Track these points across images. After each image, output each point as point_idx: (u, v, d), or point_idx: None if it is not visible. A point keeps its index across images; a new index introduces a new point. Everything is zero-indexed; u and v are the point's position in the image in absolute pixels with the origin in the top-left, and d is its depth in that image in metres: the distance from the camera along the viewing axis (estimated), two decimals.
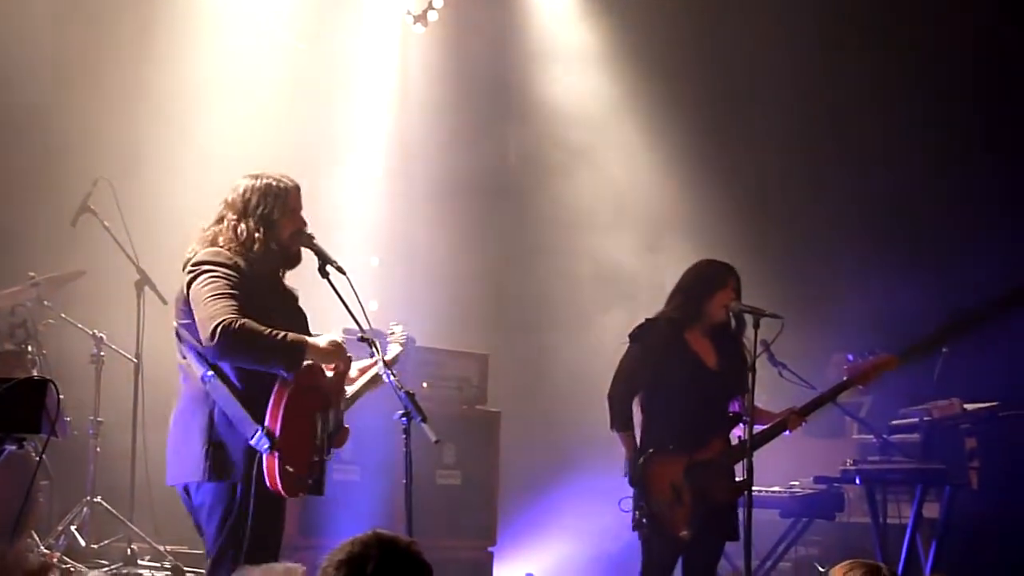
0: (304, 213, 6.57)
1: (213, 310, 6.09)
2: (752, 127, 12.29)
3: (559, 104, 12.46)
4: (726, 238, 10.76)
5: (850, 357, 8.24)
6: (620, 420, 8.01)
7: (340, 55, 11.94)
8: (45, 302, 9.43)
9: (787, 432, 8.06)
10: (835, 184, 12.23)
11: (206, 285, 6.16)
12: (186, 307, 6.25)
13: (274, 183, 6.47)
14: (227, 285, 6.20)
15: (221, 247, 6.31)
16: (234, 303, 6.14)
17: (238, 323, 6.07)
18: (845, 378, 8.21)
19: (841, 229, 12.13)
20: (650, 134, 12.38)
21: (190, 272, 6.24)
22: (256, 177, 6.48)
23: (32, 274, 9.30)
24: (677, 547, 7.85)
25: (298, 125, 11.28)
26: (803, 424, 8.11)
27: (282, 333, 6.16)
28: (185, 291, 6.24)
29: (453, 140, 11.89)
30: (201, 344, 6.15)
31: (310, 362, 6.28)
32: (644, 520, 7.83)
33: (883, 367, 8.22)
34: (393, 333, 7.24)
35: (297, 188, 6.53)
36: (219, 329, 6.02)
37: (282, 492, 6.15)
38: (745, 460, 7.64)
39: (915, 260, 11.60)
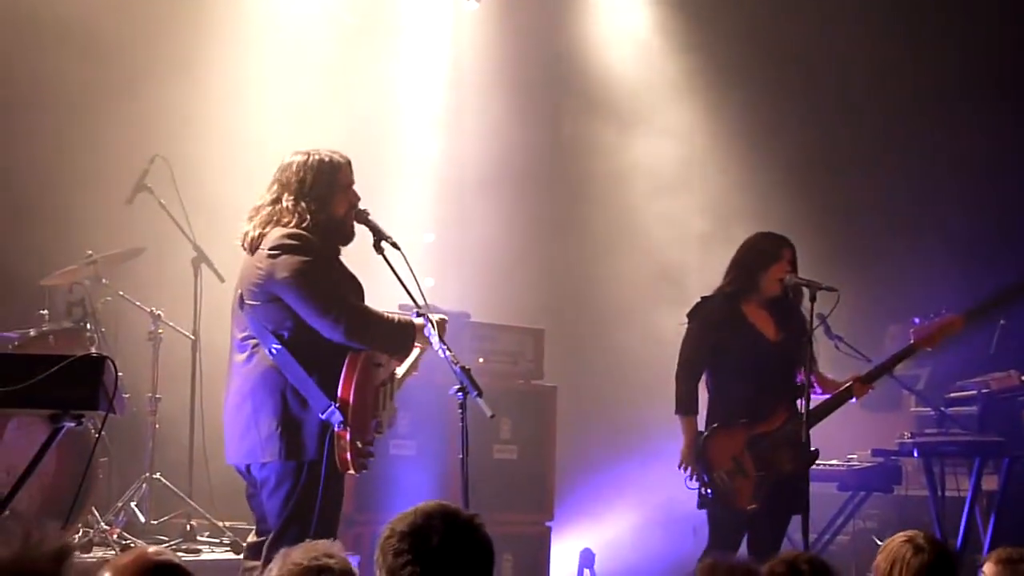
0: (358, 188, 6.59)
1: (328, 297, 6.27)
2: (812, 104, 12.20)
3: (615, 81, 12.41)
4: (786, 215, 10.68)
5: (916, 320, 8.17)
6: (684, 404, 8.01)
7: (392, 30, 11.92)
8: (103, 280, 9.46)
9: (853, 400, 8.03)
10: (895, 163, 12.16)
11: (307, 271, 6.25)
12: (261, 286, 6.31)
13: (326, 159, 6.50)
14: (326, 269, 6.36)
15: (288, 228, 6.34)
16: (340, 289, 6.35)
17: (359, 310, 6.33)
18: (912, 341, 8.13)
19: (900, 204, 12.05)
20: (707, 114, 12.33)
21: (273, 253, 6.28)
22: (307, 154, 6.50)
23: (89, 252, 9.33)
24: (744, 521, 7.84)
25: (350, 101, 11.27)
26: (869, 391, 8.07)
27: (395, 316, 6.36)
28: (265, 272, 6.29)
29: (507, 116, 11.85)
30: (270, 326, 6.24)
31: None
32: (709, 496, 7.83)
33: (949, 328, 8.14)
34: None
35: (348, 163, 6.56)
36: (346, 315, 6.23)
37: (351, 468, 6.19)
38: (804, 433, 7.63)
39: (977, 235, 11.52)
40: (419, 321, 6.43)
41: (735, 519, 7.85)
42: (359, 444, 6.18)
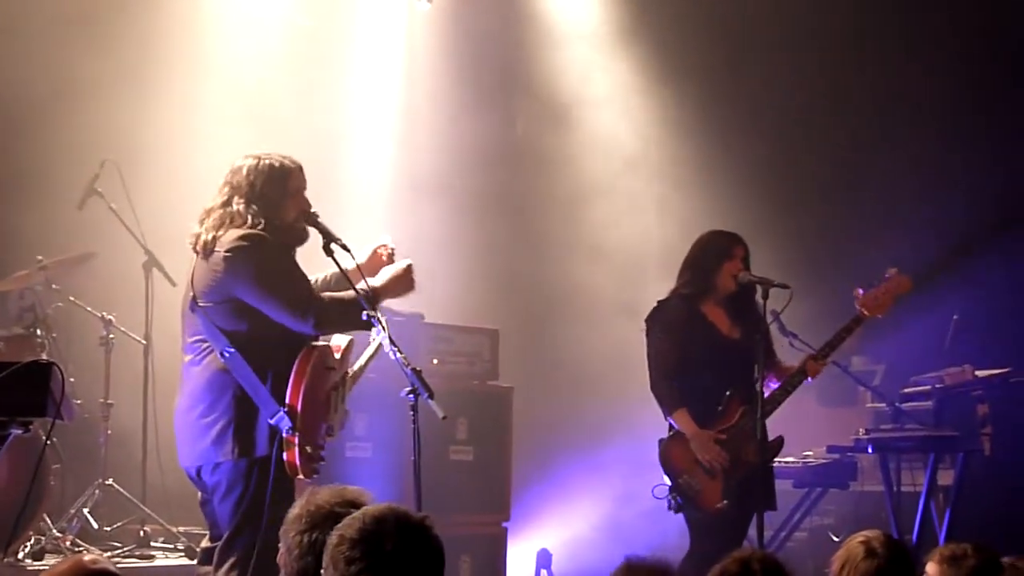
0: (311, 191, 6.58)
1: (294, 293, 6.29)
2: (759, 99, 12.22)
3: (568, 81, 12.40)
4: (742, 213, 10.70)
5: (860, 290, 8.01)
6: (668, 403, 7.93)
7: (346, 32, 11.88)
8: (53, 285, 9.41)
9: (809, 380, 7.98)
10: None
11: (270, 270, 6.28)
12: (217, 288, 6.28)
13: (276, 164, 6.48)
14: (287, 266, 6.39)
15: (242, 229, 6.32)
16: (304, 283, 6.39)
17: (325, 298, 6.36)
18: (859, 310, 8.00)
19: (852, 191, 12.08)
20: (663, 112, 12.32)
21: (230, 255, 6.25)
22: (258, 158, 6.49)
23: (40, 258, 9.27)
24: (719, 521, 7.80)
25: (304, 104, 11.23)
26: (823, 368, 7.99)
27: (343, 295, 6.37)
28: (223, 273, 6.26)
29: (460, 115, 11.83)
30: (225, 327, 6.23)
31: (325, 343, 6.34)
32: (678, 500, 7.80)
33: (895, 290, 7.99)
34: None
35: (299, 168, 6.55)
36: (313, 308, 6.25)
37: (300, 473, 6.17)
38: (759, 425, 7.63)
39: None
40: (389, 277, 6.48)
41: (709, 521, 7.82)
42: (308, 449, 6.16)
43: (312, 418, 6.23)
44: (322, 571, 3.74)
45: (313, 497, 4.35)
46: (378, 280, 6.53)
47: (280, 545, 4.40)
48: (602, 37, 12.44)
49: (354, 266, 6.51)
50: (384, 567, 3.63)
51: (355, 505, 4.05)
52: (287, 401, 6.13)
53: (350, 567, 3.64)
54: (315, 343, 6.33)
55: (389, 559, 3.64)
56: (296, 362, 6.20)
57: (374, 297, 6.40)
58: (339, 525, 3.74)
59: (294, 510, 4.37)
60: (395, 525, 3.71)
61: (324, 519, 4.15)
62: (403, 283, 6.61)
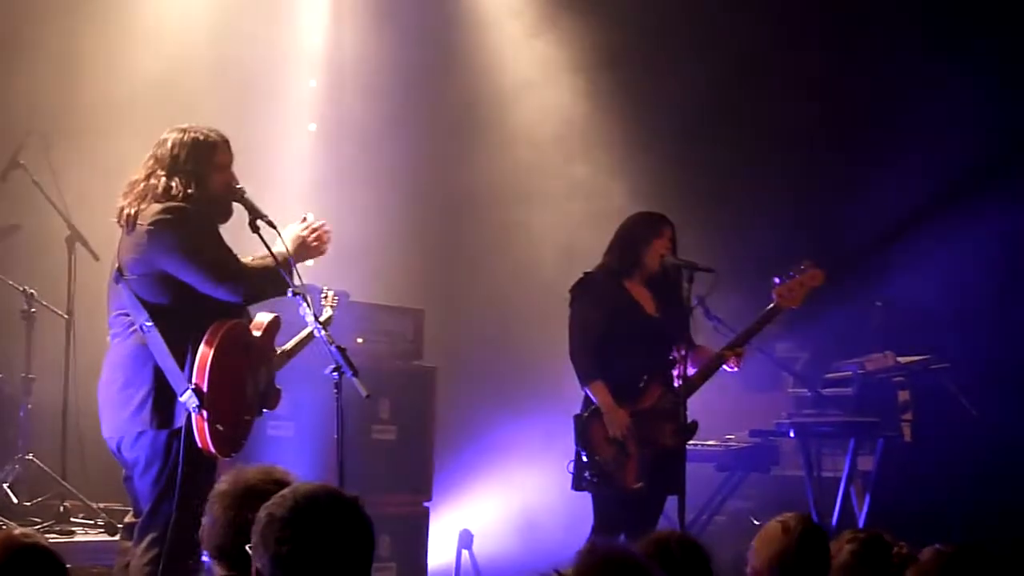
0: (237, 165, 6.54)
1: (219, 265, 6.27)
2: (683, 81, 12.20)
3: (495, 58, 12.35)
4: (670, 194, 10.74)
5: (776, 280, 8.03)
6: (587, 373, 7.94)
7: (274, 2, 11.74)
8: None
9: (728, 367, 8.00)
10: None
11: (194, 242, 6.24)
12: (141, 260, 6.25)
13: (201, 137, 6.45)
14: (211, 237, 6.36)
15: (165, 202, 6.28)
16: (228, 254, 6.35)
17: (248, 267, 6.35)
18: (775, 301, 8.02)
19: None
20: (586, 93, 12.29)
21: (153, 228, 6.21)
22: (183, 131, 6.46)
23: None
24: (628, 501, 7.83)
25: (230, 76, 11.11)
26: (740, 356, 8.02)
27: (272, 263, 6.29)
28: (147, 246, 6.23)
29: (387, 93, 11.76)
30: (148, 299, 6.20)
31: (238, 320, 6.31)
32: (592, 478, 7.81)
33: (809, 283, 8.01)
34: (326, 296, 7.28)
35: (226, 142, 6.51)
36: (236, 275, 6.27)
37: (212, 451, 6.14)
38: (682, 408, 7.68)
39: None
40: (291, 243, 6.43)
41: (620, 500, 7.85)
42: (220, 428, 6.13)
43: (223, 397, 6.17)
44: (249, 548, 3.72)
45: (241, 474, 4.34)
46: (281, 246, 6.46)
47: (204, 520, 4.38)
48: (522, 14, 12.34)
49: (279, 243, 6.47)
50: (315, 545, 3.60)
51: (282, 484, 4.03)
52: (193, 380, 6.10)
53: (281, 546, 3.60)
54: (223, 321, 6.28)
55: (321, 539, 3.62)
56: (202, 341, 6.16)
57: (286, 265, 6.35)
58: (268, 503, 3.69)
59: (220, 486, 4.36)
60: (327, 504, 3.67)
61: (251, 496, 4.13)
62: (305, 245, 6.55)
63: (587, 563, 3.83)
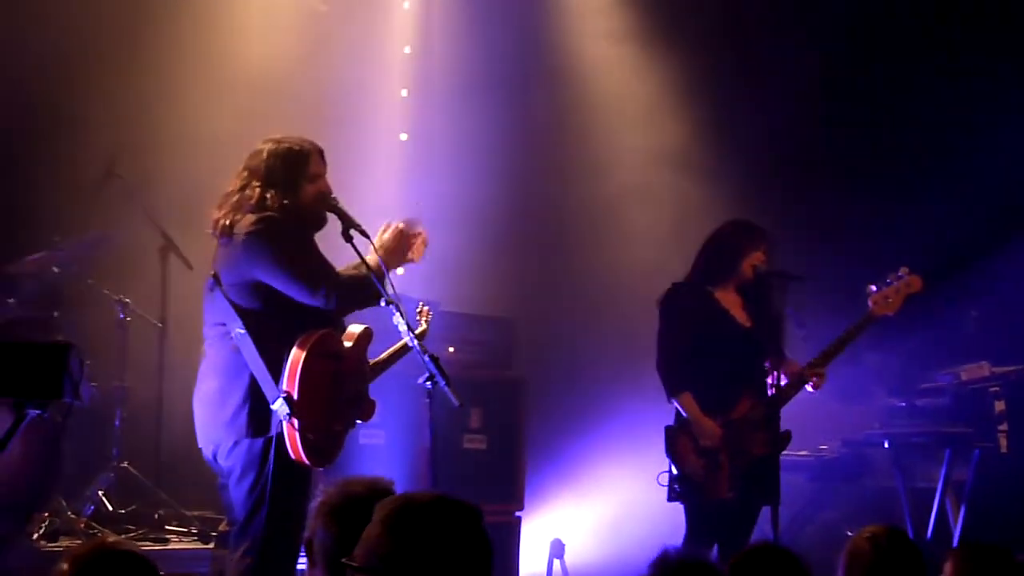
0: (330, 178, 6.57)
1: (309, 267, 6.33)
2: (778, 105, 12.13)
3: (592, 70, 12.30)
4: (753, 199, 10.67)
5: (873, 288, 7.96)
6: (674, 385, 7.86)
7: (360, 14, 11.77)
8: (71, 267, 9.41)
9: (810, 387, 7.92)
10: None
11: (288, 251, 6.29)
12: (237, 270, 6.30)
13: (295, 148, 6.49)
14: (305, 247, 6.42)
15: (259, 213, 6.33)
16: (322, 263, 6.41)
17: (341, 275, 6.40)
18: (870, 308, 7.94)
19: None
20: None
21: (250, 238, 6.27)
22: (277, 142, 6.50)
23: (57, 239, 9.28)
24: (722, 512, 7.79)
25: (320, 87, 11.15)
26: (821, 378, 7.92)
27: (365, 272, 6.36)
28: (243, 256, 6.28)
29: (475, 98, 11.72)
30: (242, 306, 6.25)
31: (329, 330, 6.34)
32: (682, 489, 7.76)
33: (906, 290, 7.93)
34: (421, 311, 7.30)
35: (319, 151, 6.55)
36: (329, 283, 6.29)
37: (305, 461, 6.16)
38: (770, 423, 7.62)
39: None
40: (395, 317, 6.41)
41: (712, 510, 7.80)
42: (311, 436, 6.14)
43: (313, 406, 6.18)
44: (347, 559, 3.64)
45: (347, 486, 4.32)
46: (374, 255, 6.49)
47: (308, 531, 4.37)
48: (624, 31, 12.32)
49: (372, 252, 6.50)
50: (431, 554, 3.50)
51: (388, 496, 4.00)
52: (284, 387, 6.13)
53: (392, 552, 3.48)
54: (315, 330, 6.29)
55: (436, 547, 3.50)
56: (292, 349, 6.19)
57: (379, 274, 6.38)
58: (379, 509, 3.63)
59: (325, 497, 4.35)
60: (444, 512, 3.56)
61: (357, 508, 4.10)
62: (392, 251, 6.57)
63: (661, 570, 3.79)
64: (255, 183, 6.40)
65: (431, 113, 11.84)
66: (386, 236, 6.57)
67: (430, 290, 9.39)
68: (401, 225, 6.63)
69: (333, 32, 11.44)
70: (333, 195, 6.53)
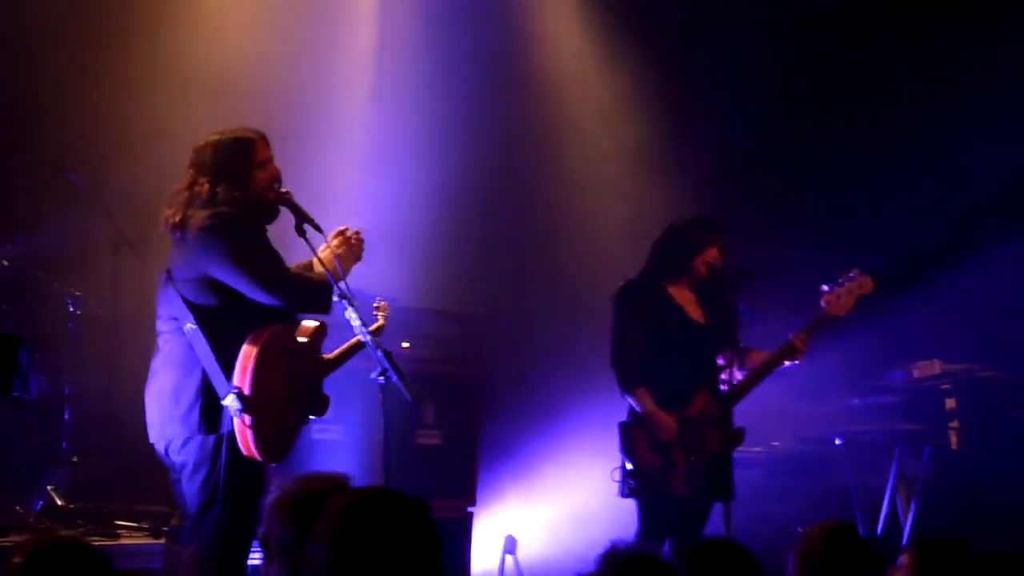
0: (283, 169, 6.55)
1: (264, 265, 6.29)
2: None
3: (563, 69, 12.29)
4: (711, 199, 10.69)
5: (824, 288, 7.98)
6: (628, 380, 7.87)
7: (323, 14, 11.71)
8: (20, 261, 9.34)
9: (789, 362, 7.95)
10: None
11: (241, 245, 6.25)
12: (191, 265, 6.28)
13: (240, 136, 6.48)
14: (258, 243, 6.37)
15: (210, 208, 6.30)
16: (277, 260, 6.37)
17: (295, 275, 6.43)
18: (824, 308, 7.95)
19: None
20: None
21: (202, 234, 6.23)
22: (220, 134, 6.48)
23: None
24: (676, 507, 7.79)
25: (275, 80, 11.09)
26: (801, 353, 7.94)
27: (321, 273, 6.38)
28: (196, 252, 6.25)
29: (437, 93, 11.68)
30: (195, 302, 6.23)
31: (282, 325, 6.33)
32: (637, 486, 7.76)
33: (858, 290, 7.94)
34: (378, 307, 7.29)
35: (263, 138, 6.51)
36: (283, 281, 6.30)
37: (256, 457, 6.13)
38: (723, 419, 7.64)
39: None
40: (348, 312, 6.40)
41: (666, 506, 7.80)
42: (262, 432, 6.11)
43: (266, 401, 6.14)
44: (304, 554, 3.64)
45: (305, 482, 4.31)
46: (326, 251, 6.47)
47: (264, 527, 4.36)
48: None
49: (324, 247, 6.48)
50: (381, 548, 3.53)
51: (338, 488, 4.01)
52: (235, 383, 6.10)
53: (345, 547, 3.52)
54: (268, 325, 6.26)
55: (385, 539, 3.53)
56: (244, 345, 6.16)
57: (332, 269, 6.37)
58: (332, 503, 3.65)
59: (281, 493, 4.33)
60: (391, 505, 3.60)
61: (313, 504, 4.09)
62: (344, 258, 6.55)
63: (609, 564, 3.79)
64: (203, 178, 6.37)
65: (394, 110, 11.78)
66: (334, 243, 6.55)
67: (388, 286, 9.37)
68: (349, 231, 6.63)
69: (293, 29, 11.37)
70: (286, 189, 6.50)
